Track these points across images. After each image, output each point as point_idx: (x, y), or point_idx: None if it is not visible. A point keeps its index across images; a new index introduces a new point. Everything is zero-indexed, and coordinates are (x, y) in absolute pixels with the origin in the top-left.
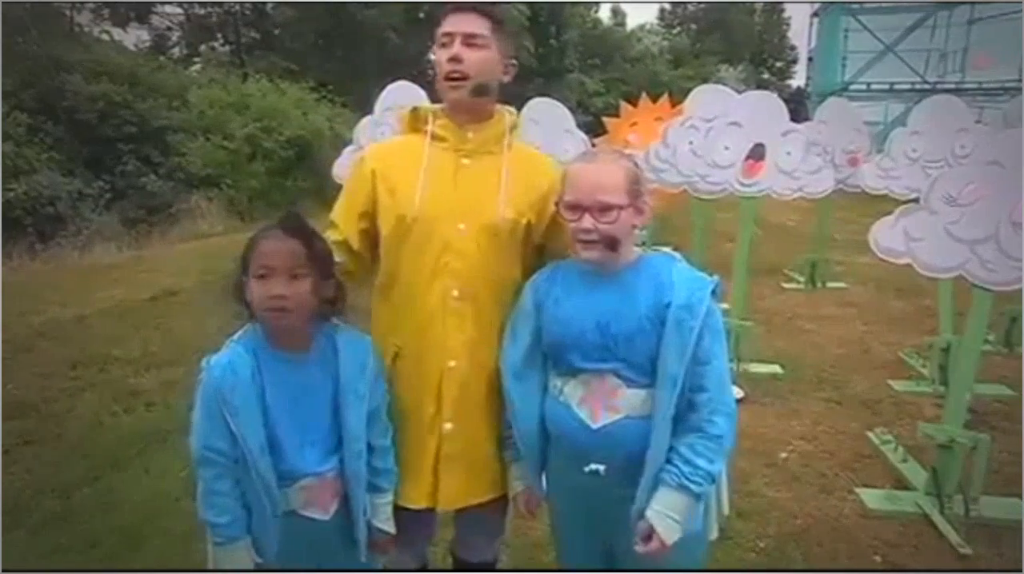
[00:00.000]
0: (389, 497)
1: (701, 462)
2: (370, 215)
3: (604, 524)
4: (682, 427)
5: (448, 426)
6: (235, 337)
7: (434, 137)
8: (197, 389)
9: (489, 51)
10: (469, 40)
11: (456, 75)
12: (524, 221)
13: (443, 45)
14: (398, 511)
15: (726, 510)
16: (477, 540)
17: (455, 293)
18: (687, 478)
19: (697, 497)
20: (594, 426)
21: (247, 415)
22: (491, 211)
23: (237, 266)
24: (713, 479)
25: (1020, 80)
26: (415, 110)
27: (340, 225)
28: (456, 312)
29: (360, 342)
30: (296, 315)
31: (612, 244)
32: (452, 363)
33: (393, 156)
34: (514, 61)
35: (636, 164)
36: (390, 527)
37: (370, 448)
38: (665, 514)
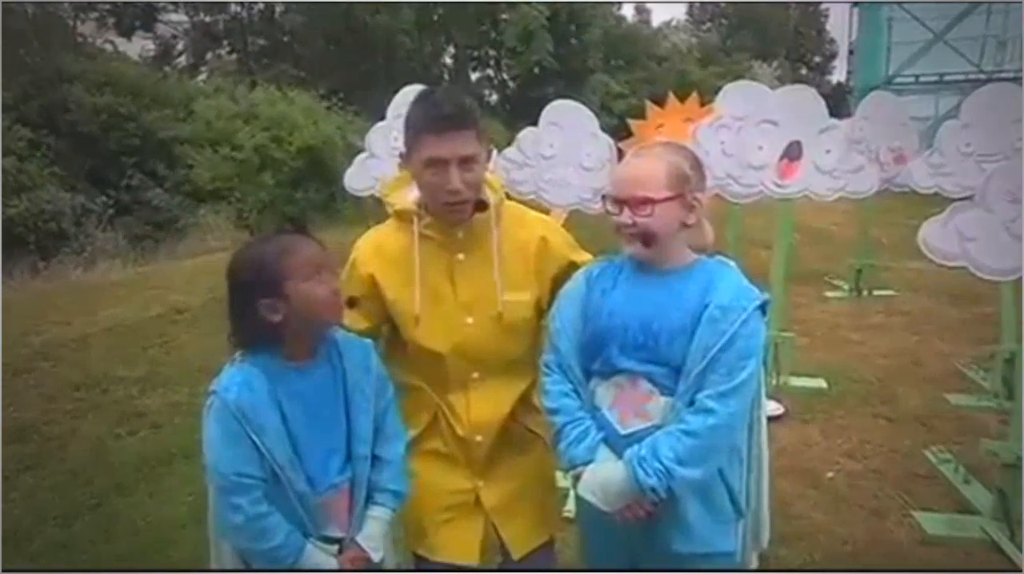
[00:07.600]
0: (381, 514)
1: (664, 453)
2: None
3: (627, 528)
4: None
5: (480, 483)
6: (236, 357)
7: (422, 236)
8: (206, 416)
9: (481, 162)
10: (464, 163)
11: (457, 202)
12: (526, 297)
13: (431, 167)
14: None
15: (765, 538)
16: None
17: (475, 375)
18: (638, 463)
19: (645, 491)
20: (623, 431)
21: (273, 431)
22: (493, 302)
23: (244, 287)
24: (671, 479)
25: None
26: (399, 213)
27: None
28: (477, 389)
29: (360, 343)
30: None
31: (647, 238)
32: (479, 438)
33: (385, 261)
34: (493, 146)
35: (692, 157)
36: (374, 555)
37: (374, 459)
38: (596, 475)
